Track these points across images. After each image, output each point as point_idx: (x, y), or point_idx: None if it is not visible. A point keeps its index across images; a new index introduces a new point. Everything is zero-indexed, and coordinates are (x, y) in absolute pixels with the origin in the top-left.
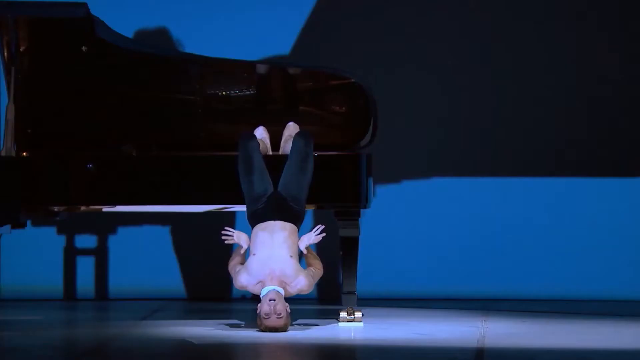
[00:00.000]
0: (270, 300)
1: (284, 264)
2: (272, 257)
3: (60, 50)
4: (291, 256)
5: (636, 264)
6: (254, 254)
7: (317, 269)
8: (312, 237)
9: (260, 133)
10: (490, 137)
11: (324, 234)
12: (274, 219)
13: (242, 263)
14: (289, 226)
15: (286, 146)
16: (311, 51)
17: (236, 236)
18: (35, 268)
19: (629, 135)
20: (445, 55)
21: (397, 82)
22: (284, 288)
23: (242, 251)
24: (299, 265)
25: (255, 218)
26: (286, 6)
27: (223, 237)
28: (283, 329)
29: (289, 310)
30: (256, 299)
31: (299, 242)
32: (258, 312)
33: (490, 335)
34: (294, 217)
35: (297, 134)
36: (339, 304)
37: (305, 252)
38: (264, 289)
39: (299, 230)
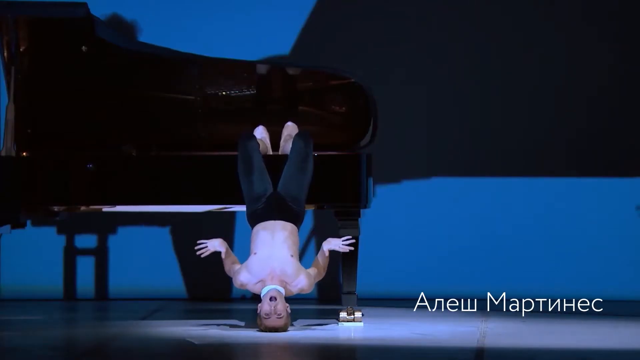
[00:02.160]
0: (270, 300)
1: (285, 263)
2: (273, 257)
3: (60, 50)
4: (292, 255)
5: (636, 264)
6: (254, 253)
7: (320, 271)
8: (339, 244)
9: (260, 133)
10: (490, 137)
11: (351, 248)
12: (274, 219)
13: (235, 262)
14: (289, 226)
15: (286, 146)
16: (311, 51)
17: (210, 245)
18: (35, 268)
19: (629, 135)
20: (445, 55)
21: (397, 82)
22: (284, 287)
23: (223, 255)
24: (299, 264)
25: (255, 218)
26: (286, 6)
27: (198, 253)
28: (283, 329)
29: (289, 311)
30: (256, 299)
31: (325, 242)
32: (258, 311)
33: (490, 335)
34: (294, 217)
35: (297, 135)
36: (339, 304)
37: (325, 254)
38: (265, 288)
39: (298, 230)
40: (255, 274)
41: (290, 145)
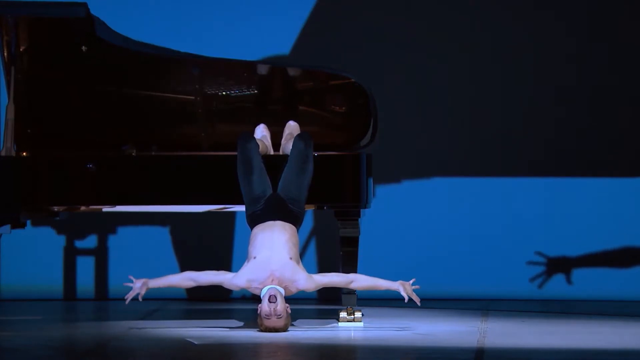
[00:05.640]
0: (270, 301)
1: (284, 265)
2: (272, 259)
3: (60, 50)
4: (291, 258)
5: (636, 264)
6: (254, 257)
7: (336, 284)
8: (409, 294)
9: (261, 131)
10: (490, 137)
11: (418, 305)
12: (274, 220)
13: (206, 274)
14: (289, 227)
15: (287, 145)
16: (311, 51)
17: (135, 290)
18: (35, 268)
19: (629, 135)
20: (445, 55)
21: (397, 82)
22: (284, 288)
23: (143, 292)
24: (298, 266)
25: (255, 219)
26: (286, 6)
27: (127, 303)
28: (283, 329)
29: (289, 311)
30: (256, 299)
31: (401, 283)
32: (258, 312)
33: (490, 335)
34: (294, 219)
35: (298, 136)
36: (339, 304)
37: (404, 297)
38: (264, 288)
39: (298, 231)
40: (255, 278)
41: (291, 146)
